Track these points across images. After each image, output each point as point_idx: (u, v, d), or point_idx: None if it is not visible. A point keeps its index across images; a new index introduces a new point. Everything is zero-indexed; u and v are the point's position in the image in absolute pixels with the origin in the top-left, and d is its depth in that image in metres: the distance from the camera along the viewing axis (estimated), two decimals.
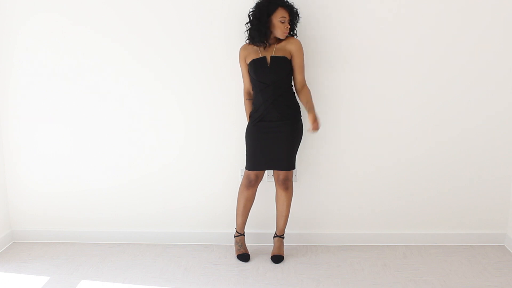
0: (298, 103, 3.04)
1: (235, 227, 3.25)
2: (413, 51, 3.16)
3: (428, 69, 3.18)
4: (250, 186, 3.10)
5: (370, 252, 3.27)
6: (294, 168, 3.09)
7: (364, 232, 3.40)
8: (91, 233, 3.46)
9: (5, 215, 3.44)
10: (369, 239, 3.39)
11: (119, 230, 3.45)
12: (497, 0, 3.08)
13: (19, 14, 3.21)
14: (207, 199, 3.40)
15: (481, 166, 3.30)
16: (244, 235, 3.25)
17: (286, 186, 3.09)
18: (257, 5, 2.92)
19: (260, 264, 3.12)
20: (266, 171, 3.21)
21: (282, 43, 2.97)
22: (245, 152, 3.11)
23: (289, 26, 2.93)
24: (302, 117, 3.05)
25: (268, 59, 2.94)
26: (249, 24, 2.96)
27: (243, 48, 3.03)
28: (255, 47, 2.98)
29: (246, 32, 2.98)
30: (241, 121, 3.20)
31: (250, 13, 2.95)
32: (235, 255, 3.21)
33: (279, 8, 2.88)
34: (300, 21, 3.01)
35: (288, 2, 2.92)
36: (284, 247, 3.25)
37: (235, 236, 3.25)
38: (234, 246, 3.27)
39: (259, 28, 2.89)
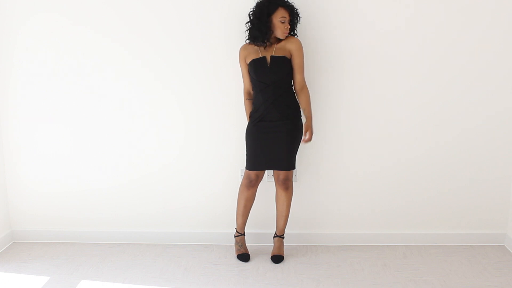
0: (298, 103, 3.04)
1: (235, 227, 3.25)
2: (413, 51, 3.16)
3: (428, 69, 3.18)
4: (250, 186, 3.10)
5: (370, 252, 3.27)
6: (294, 168, 3.09)
7: (364, 232, 3.40)
8: (91, 233, 3.46)
9: (5, 215, 3.44)
10: (369, 239, 3.39)
11: (119, 230, 3.45)
12: (497, 1, 3.08)
13: (19, 14, 3.21)
14: (207, 199, 3.40)
15: (481, 166, 3.30)
16: (244, 235, 3.25)
17: (286, 186, 3.09)
18: (258, 5, 2.92)
19: (260, 264, 3.12)
20: (266, 171, 3.21)
21: (282, 43, 2.97)
22: (245, 152, 3.11)
23: (289, 26, 2.93)
24: (302, 117, 3.05)
25: (268, 59, 2.94)
26: (249, 23, 2.96)
27: (243, 48, 3.03)
28: (255, 47, 2.98)
29: (246, 31, 2.98)
30: (241, 121, 3.20)
31: (251, 13, 2.95)
32: (235, 255, 3.21)
33: (280, 8, 2.88)
34: (300, 21, 3.01)
35: (288, 2, 2.92)
36: (284, 247, 3.25)
37: (235, 236, 3.25)
38: (234, 246, 3.27)
39: (260, 27, 2.89)
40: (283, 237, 3.24)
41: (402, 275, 2.97)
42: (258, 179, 3.11)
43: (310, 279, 2.93)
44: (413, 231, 3.39)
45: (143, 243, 3.44)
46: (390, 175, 3.33)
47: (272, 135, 2.99)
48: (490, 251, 3.28)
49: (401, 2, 3.10)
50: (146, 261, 3.17)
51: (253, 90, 3.04)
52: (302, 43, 2.99)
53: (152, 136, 3.34)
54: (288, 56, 2.95)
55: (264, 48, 2.97)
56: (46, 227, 3.48)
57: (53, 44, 3.23)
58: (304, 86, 2.98)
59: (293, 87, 3.03)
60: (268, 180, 3.30)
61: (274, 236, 3.24)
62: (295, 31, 3.02)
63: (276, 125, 2.98)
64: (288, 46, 2.96)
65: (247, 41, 3.02)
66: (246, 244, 3.29)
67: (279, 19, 2.88)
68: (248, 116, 3.09)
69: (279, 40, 2.98)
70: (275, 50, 2.96)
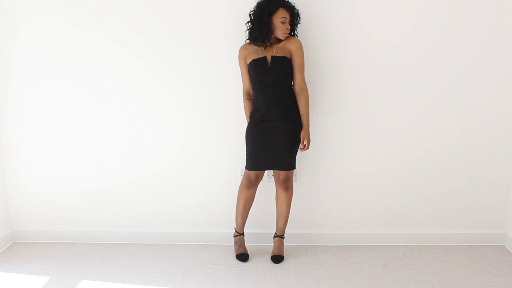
0: None
1: (235, 226, 3.25)
2: (413, 52, 3.16)
3: (428, 70, 3.18)
4: (250, 186, 3.10)
5: (370, 252, 3.27)
6: (295, 168, 3.09)
7: (364, 232, 3.40)
8: (91, 233, 3.46)
9: (5, 215, 3.44)
10: (369, 239, 3.39)
11: (119, 230, 3.45)
12: (497, 2, 3.08)
13: (19, 14, 3.21)
14: (207, 199, 3.40)
15: (481, 166, 3.30)
16: (243, 235, 3.25)
17: (286, 186, 3.09)
18: (258, 5, 2.92)
19: (260, 264, 3.12)
20: (266, 171, 3.21)
21: (283, 43, 2.97)
22: (245, 152, 3.11)
23: (289, 27, 2.93)
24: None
25: (269, 59, 2.94)
26: (249, 23, 2.96)
27: (243, 48, 3.03)
28: (255, 47, 2.98)
29: (247, 31, 2.98)
30: (241, 121, 3.20)
31: (251, 13, 2.95)
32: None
33: (280, 9, 2.88)
34: (300, 22, 3.01)
35: (289, 2, 2.92)
36: (284, 247, 3.25)
37: (234, 236, 3.25)
38: (233, 246, 3.27)
39: (260, 28, 2.89)
40: (283, 237, 3.24)
41: (402, 275, 2.97)
42: (258, 179, 3.11)
43: (310, 279, 2.93)
44: (413, 231, 3.39)
45: (143, 243, 3.44)
46: (390, 175, 3.33)
47: (273, 135, 2.99)
48: (490, 251, 3.28)
49: (402, 4, 3.10)
50: (146, 261, 3.17)
51: (253, 90, 3.04)
52: (302, 43, 2.99)
53: (152, 136, 3.34)
54: (289, 56, 2.95)
55: (265, 48, 2.97)
56: (46, 227, 3.48)
57: (53, 44, 3.23)
58: (303, 87, 2.98)
59: (293, 87, 3.03)
60: (268, 180, 3.30)
61: (274, 236, 3.24)
62: (296, 32, 3.02)
63: (277, 125, 2.98)
64: (288, 46, 2.96)
65: (247, 41, 3.02)
66: (246, 244, 3.29)
67: (279, 19, 2.88)
68: (248, 116, 3.09)
69: (280, 40, 2.97)
70: (276, 50, 2.96)
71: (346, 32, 3.14)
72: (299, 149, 3.06)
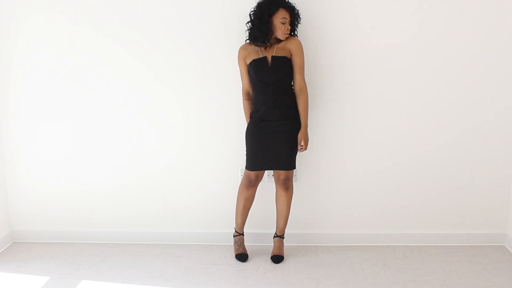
0: None
1: (235, 226, 3.25)
2: (414, 52, 3.16)
3: (428, 70, 3.18)
4: (250, 186, 3.10)
5: (370, 252, 3.27)
6: (295, 168, 3.09)
7: (364, 232, 3.40)
8: (91, 233, 3.46)
9: (5, 215, 3.44)
10: (369, 239, 3.39)
11: (119, 230, 3.45)
12: (497, 3, 3.08)
13: (19, 14, 3.21)
14: (207, 199, 3.40)
15: (481, 166, 3.30)
16: (243, 235, 3.25)
17: (286, 186, 3.09)
18: (259, 5, 2.92)
19: (260, 264, 3.12)
20: (266, 171, 3.21)
21: (283, 43, 2.97)
22: (245, 152, 3.11)
23: (289, 27, 2.93)
24: None
25: (269, 59, 2.94)
26: (250, 23, 2.96)
27: (242, 48, 3.03)
28: (255, 47, 2.98)
29: (247, 31, 2.98)
30: (241, 121, 3.20)
31: (251, 13, 2.95)
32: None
33: (280, 9, 2.88)
34: (300, 22, 3.01)
35: (289, 3, 2.92)
36: (284, 247, 3.25)
37: (234, 236, 3.25)
38: (233, 246, 3.27)
39: (260, 28, 2.89)
40: (283, 237, 3.24)
41: (402, 275, 2.97)
42: (258, 179, 3.11)
43: (310, 279, 2.93)
44: (413, 231, 3.39)
45: (143, 243, 3.44)
46: (390, 175, 3.33)
47: (273, 135, 2.99)
48: (490, 251, 3.28)
49: (402, 4, 3.10)
50: (146, 261, 3.17)
51: (253, 90, 3.04)
52: (302, 44, 2.99)
53: (152, 136, 3.34)
54: (289, 56, 2.95)
55: (265, 48, 2.97)
56: (46, 227, 3.48)
57: (53, 44, 3.23)
58: (303, 87, 2.98)
59: (293, 87, 3.03)
60: (268, 180, 3.30)
61: (274, 236, 3.24)
62: (296, 32, 3.02)
63: (277, 125, 2.98)
64: (288, 46, 2.96)
65: (247, 41, 3.02)
66: (246, 244, 3.29)
67: (279, 20, 2.88)
68: (248, 116, 3.09)
69: (279, 40, 2.97)
70: (276, 50, 2.96)
71: (346, 32, 3.14)
72: (297, 150, 3.06)
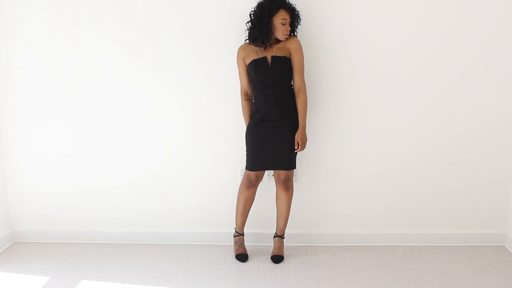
0: None
1: (235, 227, 3.25)
2: (414, 52, 3.16)
3: (428, 70, 3.18)
4: (250, 186, 3.10)
5: (370, 252, 3.27)
6: (295, 168, 3.09)
7: (364, 232, 3.40)
8: (91, 233, 3.46)
9: (5, 215, 3.44)
10: (369, 239, 3.39)
11: (119, 230, 3.45)
12: (498, 5, 3.08)
13: (19, 14, 3.21)
14: (207, 199, 3.40)
15: (481, 167, 3.30)
16: (243, 235, 3.25)
17: (286, 186, 3.09)
18: (259, 5, 2.92)
19: (260, 264, 3.12)
20: (266, 171, 3.21)
21: (282, 42, 2.97)
22: (245, 152, 3.11)
23: (289, 28, 2.93)
24: None
25: (269, 59, 2.94)
26: (250, 23, 2.95)
27: (242, 48, 3.03)
28: (254, 47, 2.98)
29: (247, 31, 2.98)
30: (241, 121, 3.20)
31: (252, 13, 2.94)
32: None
33: (281, 10, 2.87)
34: (300, 23, 3.00)
35: (290, 4, 2.92)
36: (284, 247, 3.25)
37: (234, 236, 3.25)
38: (233, 246, 3.27)
39: (260, 28, 2.89)
40: (283, 237, 3.24)
41: (402, 275, 2.97)
42: (258, 179, 3.11)
43: (310, 279, 2.93)
44: (413, 231, 3.39)
45: (143, 243, 3.44)
46: (390, 175, 3.33)
47: (273, 135, 2.99)
48: (490, 251, 3.28)
49: (401, 4, 3.10)
50: (146, 261, 3.17)
51: (253, 90, 3.04)
52: (302, 44, 2.99)
53: (152, 136, 3.34)
54: (288, 56, 2.95)
55: (264, 48, 2.97)
56: (46, 227, 3.48)
57: (53, 44, 3.23)
58: (302, 88, 2.97)
59: (293, 87, 3.03)
60: (268, 180, 3.30)
61: (274, 236, 3.24)
62: (295, 33, 3.02)
63: (277, 125, 2.98)
64: (288, 45, 2.96)
65: (247, 41, 3.02)
66: (246, 244, 3.29)
67: (280, 20, 2.88)
68: (246, 117, 3.08)
69: (279, 40, 2.97)
70: (276, 50, 2.96)
71: (346, 32, 3.14)
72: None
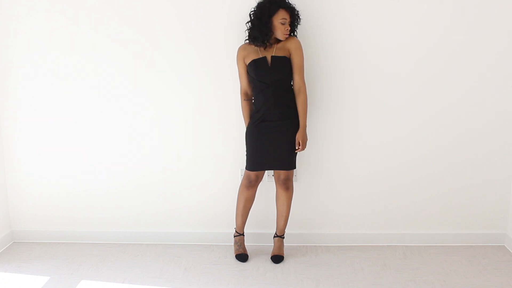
0: None
1: (235, 227, 3.25)
2: (414, 52, 3.16)
3: (428, 70, 3.18)
4: (250, 186, 3.10)
5: (370, 252, 3.27)
6: (295, 168, 3.09)
7: (364, 232, 3.40)
8: (91, 233, 3.46)
9: (5, 215, 3.44)
10: (369, 239, 3.39)
11: (119, 230, 3.45)
12: (498, 5, 3.07)
13: (19, 14, 3.21)
14: (207, 199, 3.40)
15: (481, 167, 3.30)
16: (243, 235, 3.25)
17: (286, 186, 3.09)
18: (259, 5, 2.92)
19: (260, 264, 3.12)
20: (266, 171, 3.21)
21: (282, 42, 2.97)
22: (245, 153, 3.11)
23: (289, 28, 2.93)
24: None
25: (269, 59, 2.94)
26: (250, 23, 2.95)
27: (242, 48, 3.03)
28: (254, 47, 2.98)
29: (247, 31, 2.98)
30: (241, 121, 3.20)
31: (252, 13, 2.95)
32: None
33: (281, 10, 2.88)
34: (300, 23, 3.00)
35: (290, 3, 2.92)
36: (284, 247, 3.25)
37: (234, 236, 3.25)
38: (233, 246, 3.27)
39: (260, 28, 2.89)
40: (283, 237, 3.24)
41: (402, 275, 2.97)
42: (258, 179, 3.11)
43: (310, 279, 2.93)
44: (413, 231, 3.39)
45: (143, 243, 3.44)
46: (390, 175, 3.33)
47: (273, 135, 2.99)
48: (490, 251, 3.28)
49: (403, 6, 3.10)
50: (146, 261, 3.17)
51: (253, 90, 3.04)
52: (302, 44, 2.99)
53: (152, 136, 3.34)
54: (288, 56, 2.96)
55: (264, 48, 2.97)
56: (46, 227, 3.48)
57: (53, 44, 3.23)
58: (301, 88, 2.97)
59: (293, 87, 3.03)
60: (268, 180, 3.30)
61: (274, 236, 3.24)
62: (295, 33, 3.02)
63: (277, 125, 2.98)
64: (287, 45, 2.96)
65: (246, 41, 3.02)
66: (246, 244, 3.29)
67: (279, 20, 2.88)
68: (246, 117, 3.08)
69: (279, 40, 2.98)
70: (275, 50, 2.96)
71: (346, 32, 3.14)
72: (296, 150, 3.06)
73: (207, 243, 3.42)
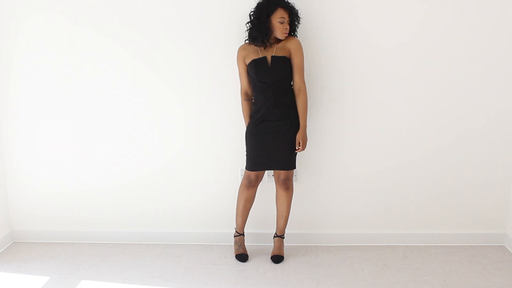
0: None
1: (235, 227, 3.25)
2: (414, 52, 3.16)
3: (428, 70, 3.18)
4: (250, 186, 3.10)
5: (370, 252, 3.27)
6: (295, 168, 3.09)
7: (364, 232, 3.40)
8: (91, 233, 3.46)
9: (5, 215, 3.44)
10: (369, 239, 3.39)
11: (119, 230, 3.45)
12: (498, 5, 3.07)
13: (19, 14, 3.21)
14: (207, 199, 3.40)
15: (481, 167, 3.30)
16: (243, 235, 3.25)
17: (286, 186, 3.09)
18: (258, 5, 2.92)
19: (260, 264, 3.12)
20: (266, 171, 3.21)
21: (282, 42, 2.97)
22: (245, 153, 3.11)
23: (288, 27, 2.93)
24: None
25: (269, 59, 2.94)
26: (249, 24, 2.96)
27: (242, 48, 3.03)
28: (254, 47, 2.98)
29: (246, 31, 2.98)
30: (241, 121, 3.20)
31: (251, 13, 2.95)
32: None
33: (279, 9, 2.88)
34: (301, 22, 3.00)
35: (288, 2, 2.92)
36: (284, 247, 3.25)
37: (234, 236, 3.25)
38: (233, 246, 3.27)
39: (259, 28, 2.89)
40: (283, 237, 3.23)
41: (402, 275, 2.97)
42: (258, 179, 3.11)
43: (310, 279, 2.93)
44: (413, 231, 3.39)
45: (143, 243, 3.44)
46: (390, 175, 3.33)
47: (273, 135, 2.99)
48: (490, 251, 3.28)
49: (403, 6, 3.10)
50: (146, 261, 3.17)
51: (253, 90, 3.04)
52: (302, 44, 2.99)
53: (152, 136, 3.34)
54: (288, 56, 2.96)
55: (264, 48, 2.97)
56: (46, 227, 3.48)
57: (53, 44, 3.23)
58: (301, 88, 2.97)
59: (293, 87, 3.03)
60: (268, 180, 3.30)
61: (274, 236, 3.24)
62: (296, 32, 3.02)
63: (277, 125, 2.98)
64: (287, 45, 2.96)
65: (246, 41, 3.02)
66: (246, 244, 3.29)
67: (278, 19, 2.88)
68: (246, 117, 3.09)
69: (279, 40, 2.98)
70: (276, 50, 2.96)
71: (346, 32, 3.14)
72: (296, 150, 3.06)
73: (207, 243, 3.42)
